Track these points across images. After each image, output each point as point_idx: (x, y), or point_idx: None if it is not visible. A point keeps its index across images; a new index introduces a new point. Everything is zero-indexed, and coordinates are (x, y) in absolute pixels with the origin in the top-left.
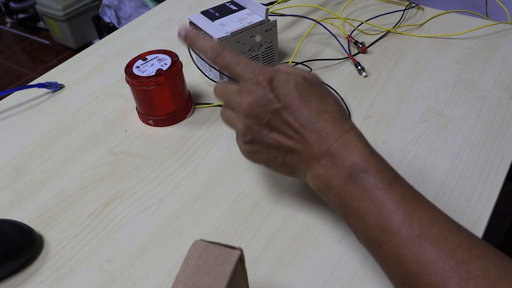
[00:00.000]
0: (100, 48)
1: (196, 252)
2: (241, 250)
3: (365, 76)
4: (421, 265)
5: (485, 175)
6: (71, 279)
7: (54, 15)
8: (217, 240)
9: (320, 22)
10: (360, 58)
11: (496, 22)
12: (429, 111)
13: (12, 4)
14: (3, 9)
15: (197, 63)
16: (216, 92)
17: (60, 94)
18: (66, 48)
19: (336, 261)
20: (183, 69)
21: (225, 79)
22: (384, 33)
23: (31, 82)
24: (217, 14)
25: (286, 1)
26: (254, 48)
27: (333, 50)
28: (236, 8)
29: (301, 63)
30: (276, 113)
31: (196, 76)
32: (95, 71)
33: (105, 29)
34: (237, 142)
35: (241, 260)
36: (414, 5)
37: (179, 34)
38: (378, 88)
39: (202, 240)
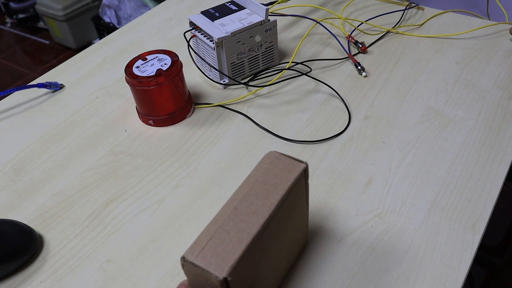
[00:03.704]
0: (100, 48)
1: (269, 159)
2: (307, 165)
3: (365, 76)
4: None
5: (485, 175)
6: (71, 279)
7: (54, 15)
8: None
9: (320, 22)
10: (360, 58)
11: (496, 22)
12: (429, 111)
13: (12, 4)
14: (3, 9)
15: (197, 63)
16: None
17: (60, 94)
18: (66, 48)
19: (336, 261)
20: (183, 69)
21: (225, 79)
22: (384, 33)
23: (31, 82)
24: (217, 14)
25: (286, 1)
26: (254, 48)
27: (333, 50)
28: (236, 8)
29: (301, 63)
30: None
31: (196, 76)
32: (95, 71)
33: (105, 29)
34: None
35: (305, 173)
36: (414, 5)
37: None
38: (378, 88)
39: (275, 151)
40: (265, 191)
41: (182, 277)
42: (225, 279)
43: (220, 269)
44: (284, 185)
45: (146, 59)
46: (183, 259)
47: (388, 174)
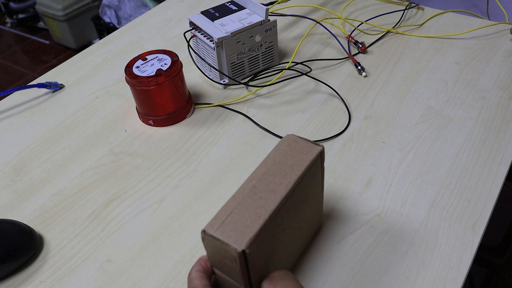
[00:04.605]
0: (100, 48)
1: (287, 141)
2: (323, 148)
3: (365, 76)
4: None
5: (485, 175)
6: (71, 279)
7: (54, 15)
8: None
9: (320, 22)
10: (360, 58)
11: (496, 22)
12: (429, 111)
13: (12, 4)
14: (3, 9)
15: (197, 63)
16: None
17: (60, 94)
18: (66, 48)
19: (336, 261)
20: (183, 69)
21: (225, 79)
22: (384, 33)
23: (31, 82)
24: (217, 14)
25: (286, 1)
26: (254, 48)
27: (333, 50)
28: (236, 8)
29: (301, 63)
30: None
31: (196, 76)
32: (95, 71)
33: (105, 29)
34: None
35: (321, 155)
36: (414, 5)
37: None
38: (378, 88)
39: (293, 134)
40: (282, 171)
41: (182, 277)
42: (243, 251)
43: (239, 242)
44: (301, 166)
45: (146, 59)
46: (204, 232)
47: (388, 174)
